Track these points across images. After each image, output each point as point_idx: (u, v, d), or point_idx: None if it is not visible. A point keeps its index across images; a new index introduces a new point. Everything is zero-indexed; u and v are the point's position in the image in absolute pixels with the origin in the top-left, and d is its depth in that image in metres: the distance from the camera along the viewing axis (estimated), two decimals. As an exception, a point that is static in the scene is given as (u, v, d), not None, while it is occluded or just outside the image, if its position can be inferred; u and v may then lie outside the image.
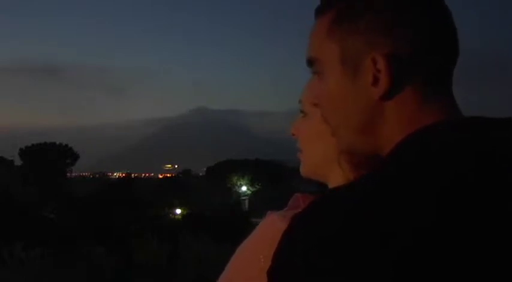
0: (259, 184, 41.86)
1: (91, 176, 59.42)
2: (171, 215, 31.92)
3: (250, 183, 42.64)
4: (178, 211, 32.45)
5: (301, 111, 1.03)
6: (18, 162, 39.67)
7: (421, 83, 0.71)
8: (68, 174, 43.17)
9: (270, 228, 0.89)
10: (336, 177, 0.96)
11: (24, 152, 39.80)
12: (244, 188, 42.59)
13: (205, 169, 52.62)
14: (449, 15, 0.74)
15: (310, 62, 0.78)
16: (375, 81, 0.69)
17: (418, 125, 0.69)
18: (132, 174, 66.45)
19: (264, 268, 0.84)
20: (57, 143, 42.45)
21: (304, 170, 1.03)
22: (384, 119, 0.71)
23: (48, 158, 38.75)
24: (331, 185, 0.98)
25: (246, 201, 39.65)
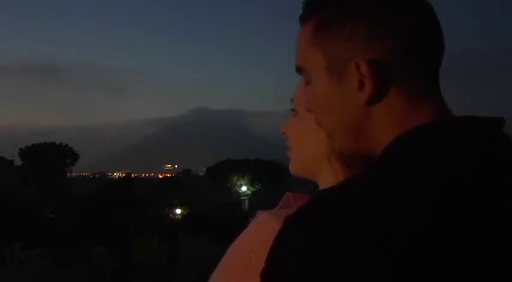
0: (259, 184, 41.79)
1: (91, 176, 59.23)
2: (171, 215, 31.87)
3: (250, 183, 42.59)
4: (178, 211, 32.40)
5: (293, 110, 1.03)
6: (18, 162, 39.68)
7: (415, 83, 0.70)
8: (68, 174, 43.09)
9: (262, 228, 0.89)
10: (326, 175, 0.96)
11: (24, 152, 39.76)
12: (244, 188, 42.53)
13: (205, 169, 52.54)
14: (436, 14, 0.74)
15: (298, 71, 0.80)
16: (360, 86, 0.70)
17: (410, 125, 0.69)
18: (132, 174, 66.32)
19: (256, 267, 0.83)
20: (57, 143, 42.39)
21: (293, 168, 1.02)
22: (374, 121, 0.72)
23: (48, 158, 38.70)
24: (321, 183, 0.98)
25: (246, 201, 39.58)
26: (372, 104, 0.71)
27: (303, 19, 0.77)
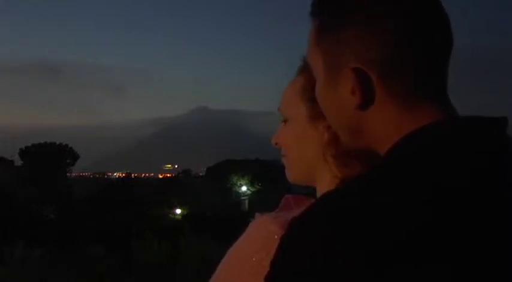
0: (259, 184, 41.80)
1: (91, 176, 59.22)
2: (171, 215, 31.87)
3: (250, 183, 42.59)
4: (178, 211, 32.40)
5: (283, 120, 1.03)
6: (18, 162, 39.68)
7: (410, 89, 0.71)
8: (68, 174, 43.08)
9: (262, 230, 0.89)
10: (324, 176, 0.96)
11: (24, 152, 39.77)
12: (244, 188, 42.52)
13: (205, 169, 52.59)
14: (439, 12, 0.73)
15: (306, 64, 0.83)
16: (353, 91, 0.71)
17: (408, 128, 0.69)
18: (132, 174, 66.20)
19: (256, 269, 0.83)
20: (57, 143, 42.41)
21: (291, 174, 1.02)
22: (370, 124, 0.73)
23: (48, 158, 38.71)
24: (319, 184, 0.98)
25: (246, 201, 39.57)
26: (365, 108, 0.72)
27: (311, 16, 0.78)
